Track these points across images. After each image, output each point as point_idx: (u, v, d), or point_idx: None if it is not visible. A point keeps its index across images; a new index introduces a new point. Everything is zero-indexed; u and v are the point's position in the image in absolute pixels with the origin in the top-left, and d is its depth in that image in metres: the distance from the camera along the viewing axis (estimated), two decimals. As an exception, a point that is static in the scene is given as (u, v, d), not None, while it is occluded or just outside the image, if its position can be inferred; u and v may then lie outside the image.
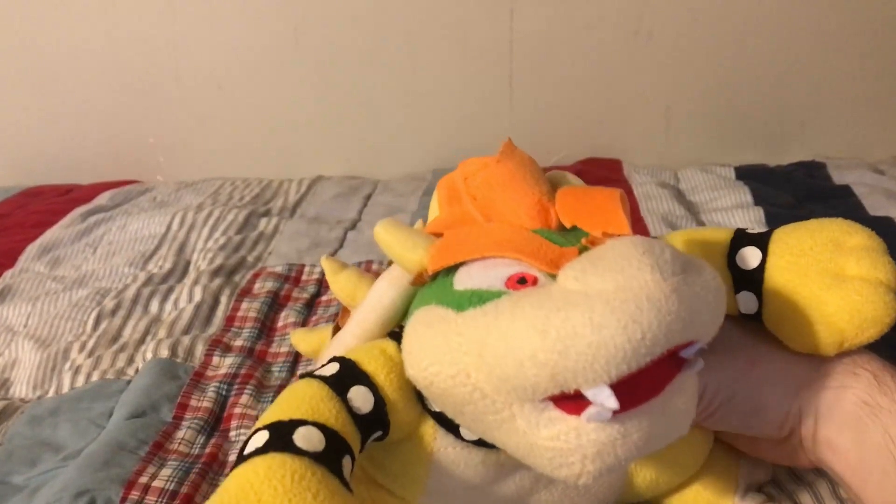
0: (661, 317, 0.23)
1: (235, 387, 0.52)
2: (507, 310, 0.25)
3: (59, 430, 0.51)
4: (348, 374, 0.30)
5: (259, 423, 0.28)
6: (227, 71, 1.05)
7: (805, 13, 0.96)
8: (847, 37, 0.96)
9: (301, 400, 0.29)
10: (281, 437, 0.27)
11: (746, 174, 0.89)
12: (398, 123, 1.05)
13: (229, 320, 0.63)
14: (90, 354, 0.60)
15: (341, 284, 0.38)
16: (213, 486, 0.44)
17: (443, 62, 1.02)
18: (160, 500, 0.42)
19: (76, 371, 0.58)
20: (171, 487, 0.43)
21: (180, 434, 0.49)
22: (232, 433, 0.48)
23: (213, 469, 0.45)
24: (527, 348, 0.24)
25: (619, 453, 0.25)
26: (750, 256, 0.36)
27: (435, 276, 0.31)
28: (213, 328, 0.63)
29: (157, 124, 1.09)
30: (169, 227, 0.83)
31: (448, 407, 0.29)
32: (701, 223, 0.78)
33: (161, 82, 1.06)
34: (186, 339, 0.60)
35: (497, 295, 0.27)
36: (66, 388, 0.57)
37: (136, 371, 0.57)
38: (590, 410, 0.24)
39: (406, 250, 0.31)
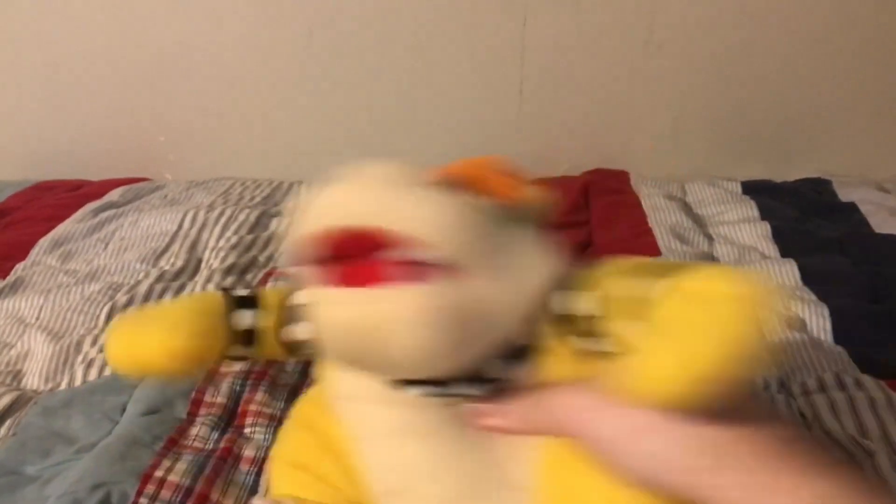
0: (352, 195, 0.28)
1: (250, 384, 0.53)
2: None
3: (73, 423, 0.52)
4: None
5: None
6: (237, 71, 1.05)
7: (814, 30, 0.97)
8: (856, 55, 0.97)
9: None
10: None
11: (752, 189, 0.89)
12: (408, 128, 1.06)
13: (242, 319, 0.64)
14: (103, 348, 0.61)
15: None
16: (229, 482, 0.45)
17: (455, 68, 1.02)
18: (175, 495, 0.43)
19: (89, 364, 0.58)
20: (186, 483, 0.43)
21: (195, 430, 0.49)
22: (247, 429, 0.49)
23: (227, 464, 0.46)
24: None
25: (327, 314, 0.28)
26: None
27: None
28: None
29: (167, 122, 1.10)
30: (181, 225, 0.83)
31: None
32: (708, 236, 0.78)
33: (172, 81, 1.07)
34: (199, 337, 0.60)
35: None
36: (78, 381, 0.57)
37: (150, 366, 0.57)
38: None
39: None
